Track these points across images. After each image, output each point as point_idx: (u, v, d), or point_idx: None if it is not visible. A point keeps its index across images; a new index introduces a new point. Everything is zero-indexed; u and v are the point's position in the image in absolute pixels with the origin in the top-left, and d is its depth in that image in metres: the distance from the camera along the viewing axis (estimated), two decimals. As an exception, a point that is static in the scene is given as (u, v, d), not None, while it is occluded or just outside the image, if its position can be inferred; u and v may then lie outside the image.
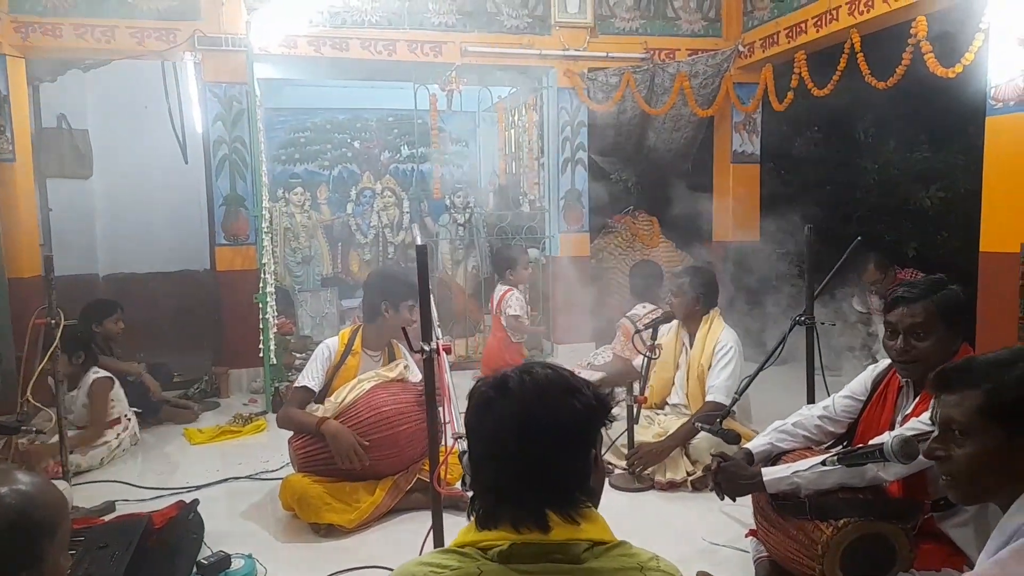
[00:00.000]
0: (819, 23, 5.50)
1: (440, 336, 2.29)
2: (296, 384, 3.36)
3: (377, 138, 8.14)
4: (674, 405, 3.76)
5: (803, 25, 5.66)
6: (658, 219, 6.86)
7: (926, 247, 6.87)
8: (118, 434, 4.09)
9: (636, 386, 3.58)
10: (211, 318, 5.82)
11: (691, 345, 3.68)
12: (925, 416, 2.13)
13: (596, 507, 1.18)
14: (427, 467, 3.17)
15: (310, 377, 3.28)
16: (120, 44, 5.40)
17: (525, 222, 6.49)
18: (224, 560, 2.60)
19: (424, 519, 2.76)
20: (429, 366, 2.23)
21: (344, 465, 3.03)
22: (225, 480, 3.70)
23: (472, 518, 1.14)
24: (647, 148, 7.01)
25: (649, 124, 6.77)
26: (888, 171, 7.21)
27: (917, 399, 2.27)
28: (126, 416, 4.22)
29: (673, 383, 3.78)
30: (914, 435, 1.92)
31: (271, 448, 4.05)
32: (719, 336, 3.55)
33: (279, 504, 3.15)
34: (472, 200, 7.18)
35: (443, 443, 2.28)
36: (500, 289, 5.48)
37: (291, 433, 3.26)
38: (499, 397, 1.13)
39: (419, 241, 2.42)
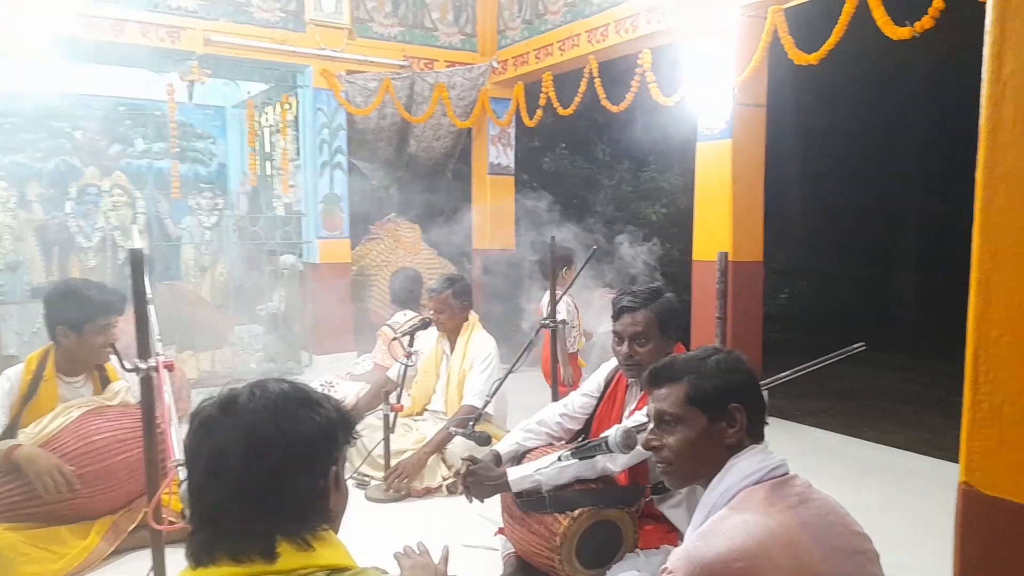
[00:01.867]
0: (563, 47, 5.94)
1: (161, 352, 2.05)
2: None
3: (104, 129, 7.20)
4: (433, 412, 3.79)
5: (549, 48, 6.08)
6: (420, 227, 6.91)
7: (653, 257, 7.74)
8: None
9: (393, 395, 3.54)
10: None
11: (451, 352, 3.74)
12: (646, 409, 2.36)
13: (336, 531, 1.11)
14: (155, 499, 2.85)
15: None
16: None
17: (281, 226, 6.15)
18: None
19: (149, 559, 2.46)
20: (147, 386, 1.99)
21: (49, 494, 2.57)
22: None
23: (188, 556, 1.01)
24: (408, 156, 7.03)
25: (410, 132, 6.80)
26: (622, 188, 8.01)
27: (641, 395, 2.49)
28: None
29: (435, 391, 3.80)
30: (634, 427, 2.11)
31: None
32: (479, 342, 3.65)
33: (-42, 562, 2.61)
34: (221, 202, 6.64)
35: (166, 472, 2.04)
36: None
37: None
38: (224, 414, 1.02)
39: (136, 244, 2.16)
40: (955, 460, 3.86)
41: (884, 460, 4.13)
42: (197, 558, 1.00)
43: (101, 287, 2.93)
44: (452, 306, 3.70)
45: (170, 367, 2.00)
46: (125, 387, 3.00)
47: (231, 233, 6.67)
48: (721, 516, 1.40)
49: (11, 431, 2.77)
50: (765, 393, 1.69)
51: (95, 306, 2.82)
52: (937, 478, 3.74)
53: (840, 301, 8.53)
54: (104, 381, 2.99)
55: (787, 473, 1.47)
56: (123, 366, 1.97)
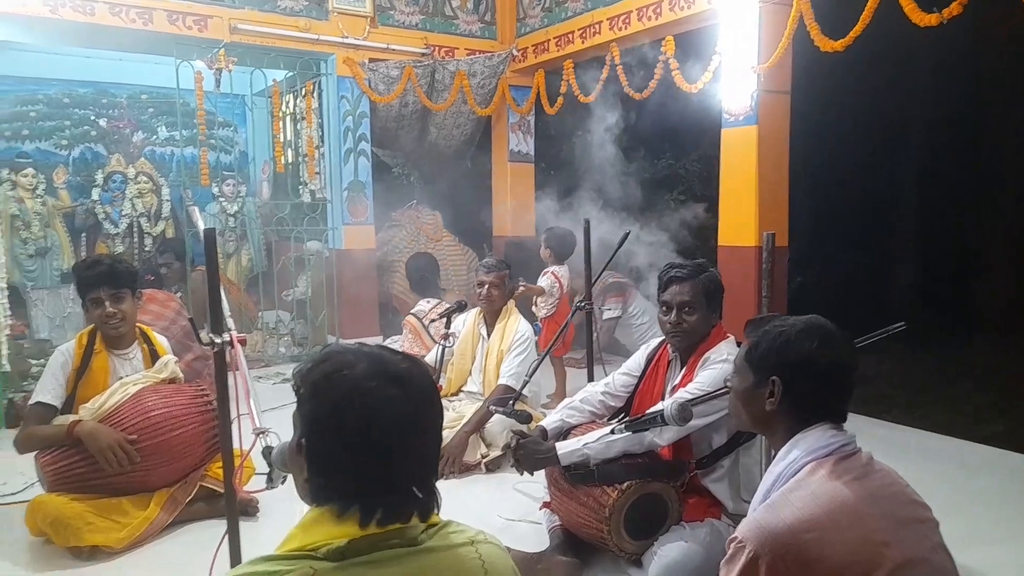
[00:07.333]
0: (584, 35, 5.97)
1: (232, 328, 2.13)
2: (31, 402, 2.90)
3: (128, 117, 7.29)
4: (470, 393, 3.88)
5: (570, 36, 6.11)
6: (441, 214, 6.97)
7: (667, 241, 7.78)
8: None
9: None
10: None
11: (488, 335, 3.83)
12: (692, 386, 2.44)
13: None
14: (211, 473, 2.94)
15: (46, 390, 2.85)
16: None
17: (306, 213, 6.23)
18: (-43, 603, 2.18)
19: (210, 528, 2.56)
20: (221, 361, 2.07)
21: (110, 468, 2.67)
22: (-54, 511, 3.08)
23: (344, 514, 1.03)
24: (428, 143, 7.09)
25: (430, 119, 6.85)
26: (639, 175, 8.05)
27: (684, 371, 2.58)
28: None
29: (470, 373, 3.89)
30: (688, 400, 2.19)
31: (8, 468, 3.44)
32: (518, 326, 3.76)
33: (27, 531, 2.71)
34: (243, 189, 6.72)
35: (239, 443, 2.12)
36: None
37: (37, 451, 2.81)
38: (404, 391, 1.06)
39: (202, 225, 2.25)
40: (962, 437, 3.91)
41: (905, 439, 4.21)
42: (394, 515, 1.05)
43: (94, 262, 2.97)
44: (505, 285, 3.85)
45: (243, 342, 2.08)
46: (173, 360, 3.11)
47: (255, 220, 6.75)
48: (789, 488, 1.43)
49: (69, 404, 2.87)
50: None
51: (80, 282, 2.94)
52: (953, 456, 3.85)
53: (853, 288, 8.58)
54: (153, 354, 3.09)
55: (855, 449, 1.49)
56: (199, 341, 2.04)
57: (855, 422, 4.53)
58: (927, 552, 1.41)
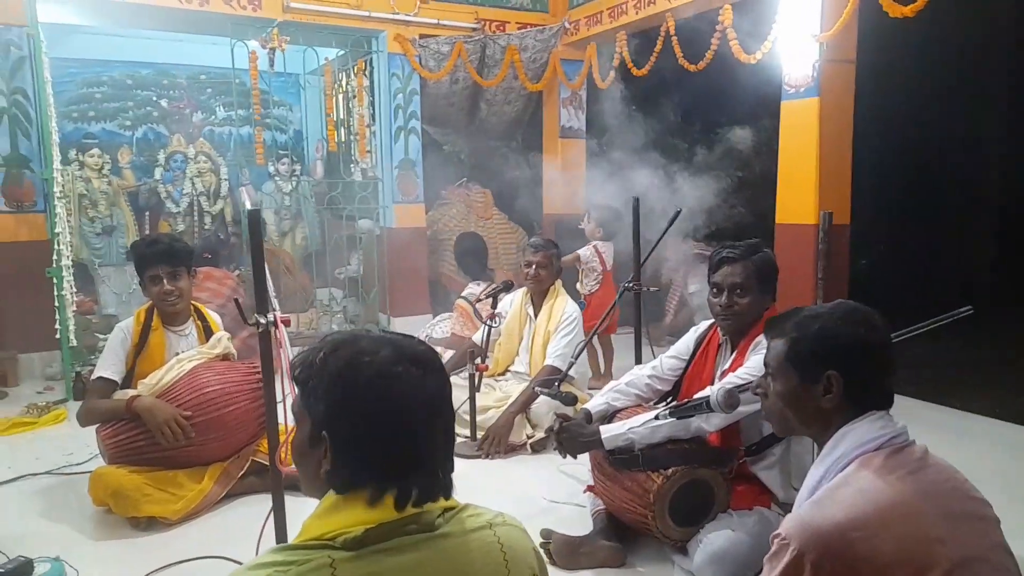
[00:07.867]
0: (639, 6, 5.80)
1: (277, 307, 2.15)
2: (93, 376, 3.02)
3: (188, 97, 7.47)
4: (517, 373, 3.88)
5: (624, 6, 5.95)
6: (491, 192, 6.94)
7: (722, 219, 7.57)
8: None
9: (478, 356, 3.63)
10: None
11: (535, 316, 3.81)
12: (742, 371, 2.36)
13: None
14: (263, 448, 3.01)
15: (107, 366, 2.97)
16: None
17: (357, 192, 6.28)
18: (25, 565, 2.29)
19: (262, 502, 2.62)
20: (266, 340, 2.10)
21: (166, 442, 2.77)
22: (20, 477, 3.26)
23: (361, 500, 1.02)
24: (479, 120, 7.04)
25: (481, 96, 6.80)
26: (694, 150, 7.83)
27: (734, 355, 2.49)
28: None
29: (517, 353, 3.88)
30: (735, 387, 2.11)
31: (74, 439, 3.62)
32: (565, 306, 3.73)
33: (89, 500, 2.83)
34: (298, 168, 6.82)
35: (283, 421, 2.15)
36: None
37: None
38: (425, 372, 1.06)
39: (249, 205, 2.27)
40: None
41: (965, 425, 4.02)
42: (427, 496, 1.05)
43: (153, 241, 3.05)
44: (553, 265, 3.82)
45: (287, 322, 2.10)
46: (227, 336, 3.19)
47: (310, 198, 6.85)
48: (836, 484, 1.37)
49: (128, 379, 2.98)
50: None
51: (139, 260, 3.00)
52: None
53: (920, 268, 8.20)
54: (207, 331, 3.17)
55: (907, 441, 1.41)
56: (245, 320, 2.07)
57: (919, 409, 4.36)
58: (986, 551, 1.33)
